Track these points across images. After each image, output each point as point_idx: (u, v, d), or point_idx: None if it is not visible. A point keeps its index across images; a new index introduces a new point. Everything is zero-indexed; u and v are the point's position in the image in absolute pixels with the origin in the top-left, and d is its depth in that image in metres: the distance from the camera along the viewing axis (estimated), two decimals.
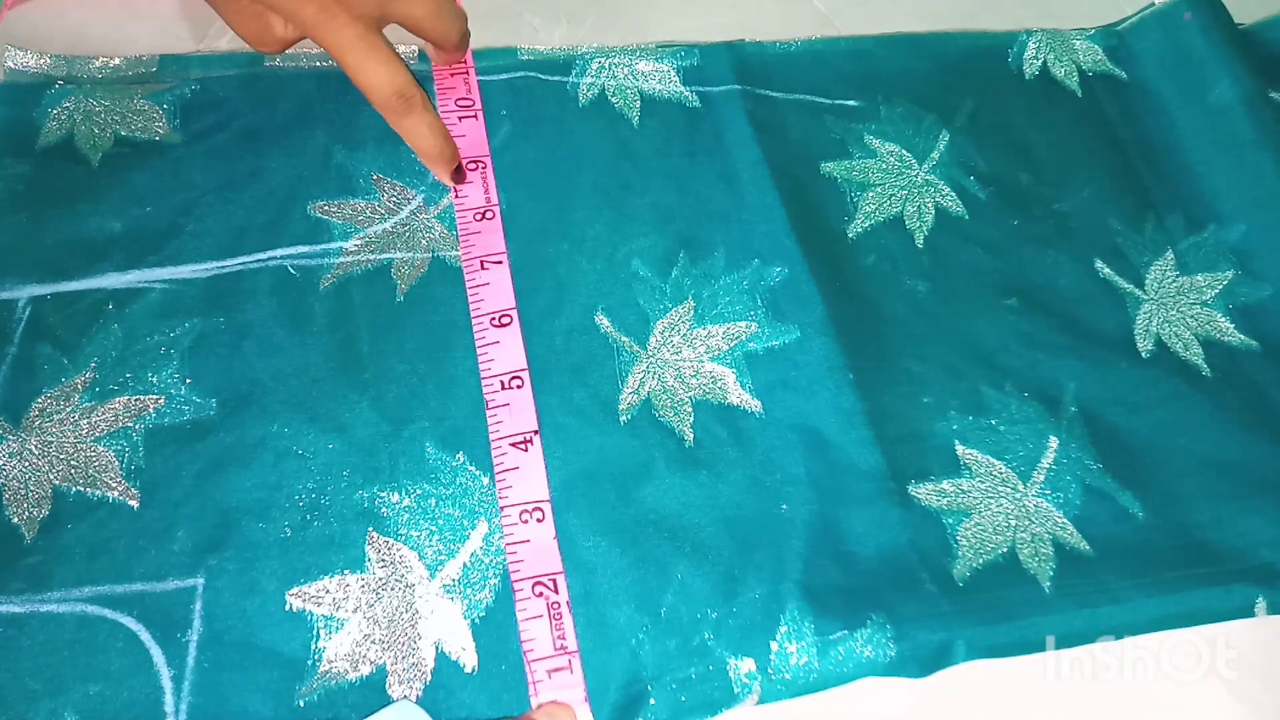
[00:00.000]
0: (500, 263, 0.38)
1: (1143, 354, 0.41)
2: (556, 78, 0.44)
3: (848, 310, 0.39)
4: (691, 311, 0.39)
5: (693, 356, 0.38)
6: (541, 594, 0.32)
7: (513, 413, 0.35)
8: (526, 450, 0.34)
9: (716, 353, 0.38)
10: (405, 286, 0.38)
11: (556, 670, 0.31)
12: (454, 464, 0.34)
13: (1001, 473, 0.37)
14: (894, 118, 0.45)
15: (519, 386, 0.36)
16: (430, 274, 0.38)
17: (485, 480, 0.34)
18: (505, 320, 0.37)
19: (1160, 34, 0.49)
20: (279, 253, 0.38)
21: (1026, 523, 0.35)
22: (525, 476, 0.34)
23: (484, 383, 0.36)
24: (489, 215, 0.40)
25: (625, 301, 0.39)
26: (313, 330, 0.36)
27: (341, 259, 0.38)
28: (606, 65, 0.44)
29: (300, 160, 0.40)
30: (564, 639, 0.31)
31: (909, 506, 0.35)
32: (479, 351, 0.37)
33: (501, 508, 0.33)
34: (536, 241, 0.40)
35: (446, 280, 0.38)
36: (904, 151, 0.45)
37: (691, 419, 0.36)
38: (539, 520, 0.33)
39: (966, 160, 0.45)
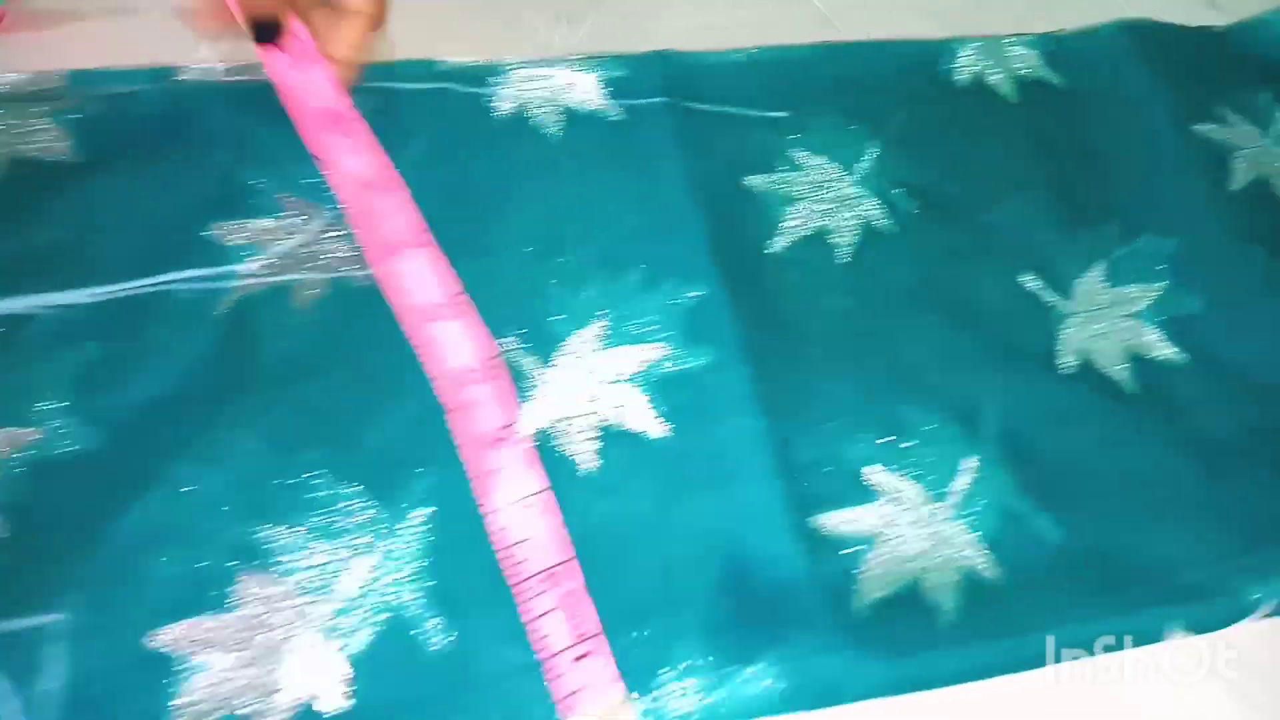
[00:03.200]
0: (428, 247, 0.37)
1: (1066, 370, 0.40)
2: (474, 90, 0.43)
3: (765, 331, 0.39)
4: (603, 331, 0.38)
5: (602, 378, 0.37)
6: (548, 590, 0.31)
7: (488, 409, 0.34)
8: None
9: (626, 375, 0.37)
10: (304, 310, 0.37)
11: (583, 657, 0.30)
12: (344, 495, 0.33)
13: (914, 497, 0.36)
14: (822, 129, 0.45)
15: (494, 378, 0.35)
16: (331, 297, 0.37)
17: (375, 512, 0.33)
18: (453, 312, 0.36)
19: (1099, 49, 0.49)
20: (174, 277, 0.37)
21: (936, 549, 0.35)
22: (515, 473, 0.33)
23: (436, 382, 0.35)
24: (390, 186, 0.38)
25: (537, 322, 0.38)
26: (205, 358, 0.35)
27: (240, 282, 0.37)
28: (527, 77, 0.44)
29: (204, 180, 0.39)
30: (582, 625, 0.31)
31: (814, 537, 0.34)
32: (422, 351, 0.35)
33: (481, 510, 0.33)
34: (450, 261, 0.39)
35: (348, 302, 0.37)
36: (831, 164, 0.44)
37: (597, 445, 0.35)
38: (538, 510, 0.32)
39: (895, 173, 0.44)
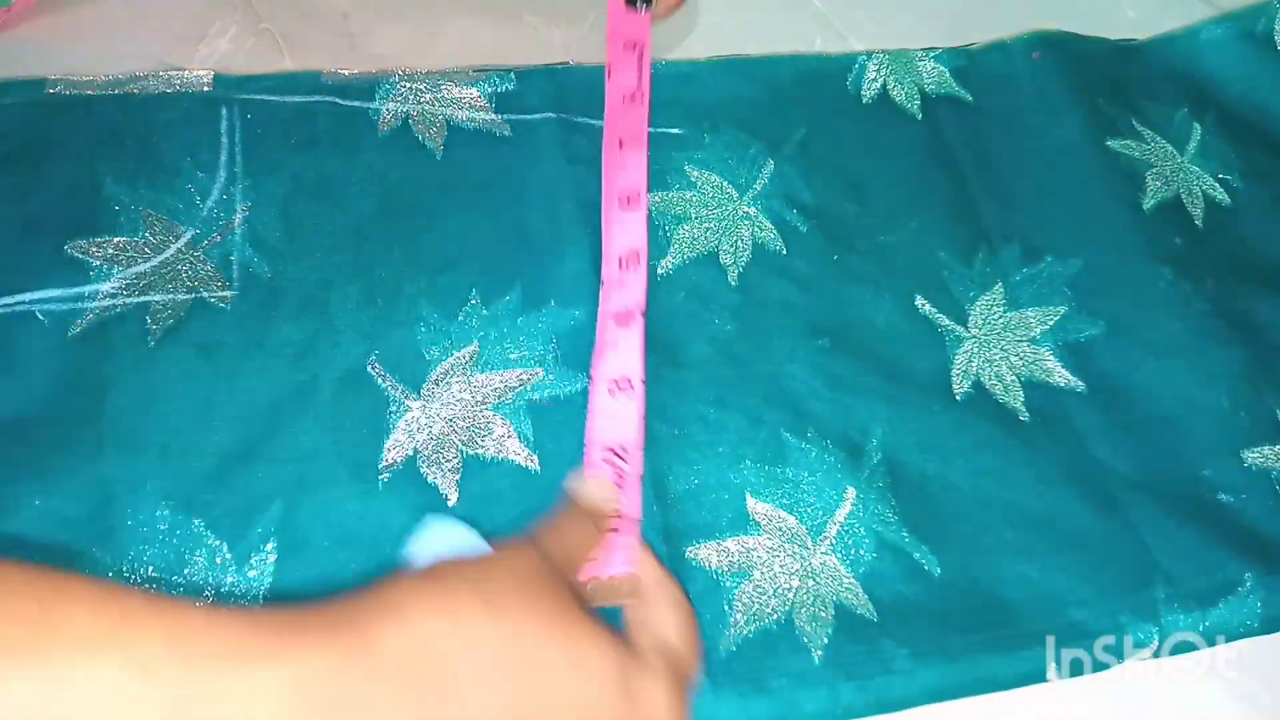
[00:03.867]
0: (639, 149, 0.39)
1: (958, 396, 0.39)
2: (357, 103, 0.42)
3: (646, 355, 0.37)
4: (475, 355, 0.37)
5: (470, 403, 0.36)
6: (610, 461, 0.32)
7: (625, 290, 0.36)
8: (628, 326, 0.35)
9: (497, 400, 0.36)
10: (160, 331, 0.35)
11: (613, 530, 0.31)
12: (190, 529, 0.32)
13: (791, 528, 0.35)
14: (718, 146, 0.43)
15: (635, 268, 0.36)
16: (191, 316, 0.36)
17: (217, 543, 0.32)
18: (634, 203, 0.38)
19: (1011, 63, 0.48)
20: (27, 297, 0.35)
21: (810, 583, 0.33)
22: (622, 354, 0.35)
23: (604, 260, 0.37)
24: (637, 99, 0.40)
25: (405, 346, 0.37)
26: (56, 383, 0.34)
27: (96, 303, 0.36)
28: (412, 90, 0.42)
29: (67, 195, 0.38)
30: (626, 506, 0.31)
31: (685, 570, 0.33)
32: (604, 229, 0.37)
33: (592, 379, 0.35)
34: (317, 282, 0.38)
35: (210, 322, 0.36)
36: (724, 182, 0.42)
37: (459, 475, 0.34)
38: (628, 397, 0.34)
39: (791, 191, 0.43)
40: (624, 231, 0.37)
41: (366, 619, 0.21)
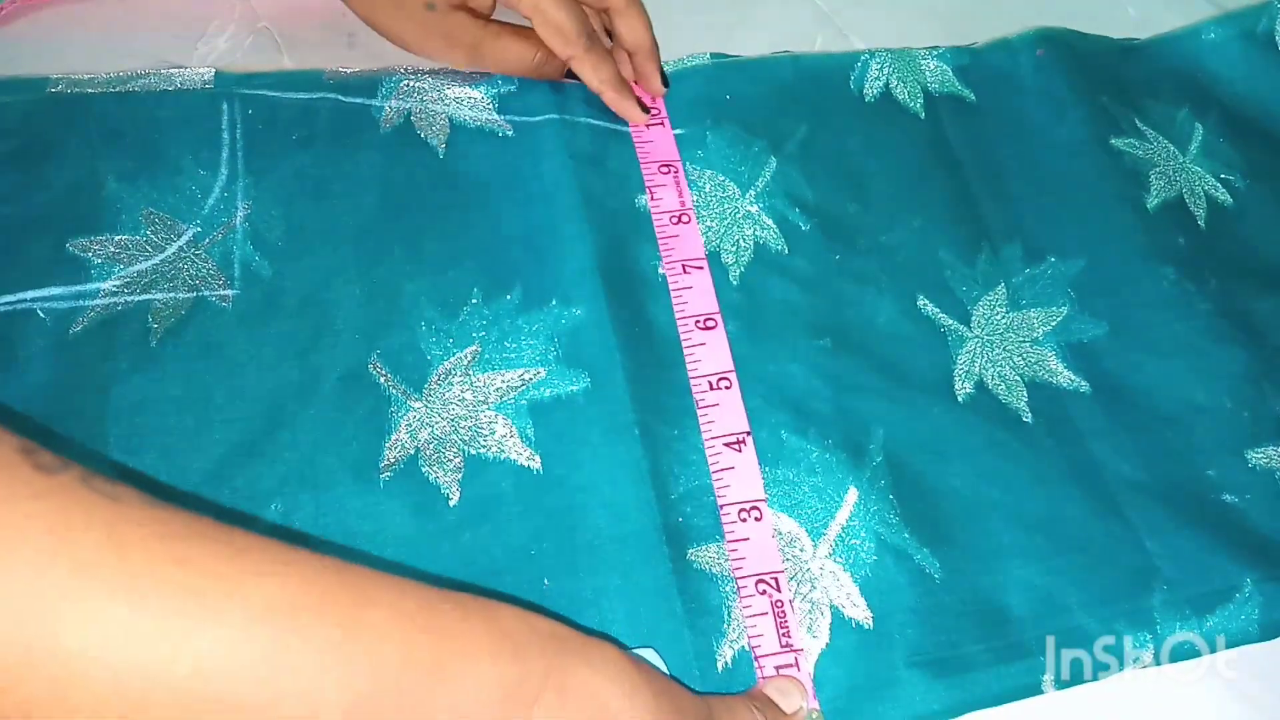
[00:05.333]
0: (701, 268, 0.39)
1: (960, 397, 0.39)
2: (360, 101, 0.42)
3: (647, 355, 0.37)
4: (477, 355, 0.36)
5: (472, 403, 0.35)
6: (765, 592, 0.32)
7: (723, 413, 0.36)
8: (740, 450, 0.35)
9: (498, 400, 0.36)
10: (161, 330, 0.35)
11: (784, 667, 0.31)
12: None
13: (791, 531, 0.34)
14: (720, 144, 0.43)
15: (727, 387, 0.36)
16: (193, 315, 0.36)
17: None
18: (710, 324, 0.38)
19: (1013, 61, 0.48)
20: (29, 295, 0.35)
21: (808, 589, 0.33)
22: (741, 476, 0.34)
23: (693, 383, 0.37)
24: (685, 219, 0.40)
25: (406, 345, 0.37)
26: (56, 383, 0.34)
27: (97, 301, 0.36)
28: (415, 89, 0.42)
29: (68, 193, 0.37)
30: (789, 636, 0.32)
31: (687, 574, 0.33)
32: (685, 353, 0.37)
33: (720, 506, 0.34)
34: (318, 281, 0.37)
35: (211, 321, 0.36)
36: (726, 181, 0.42)
37: (461, 474, 0.34)
38: (757, 519, 0.34)
39: (793, 190, 0.43)
40: (709, 354, 0.37)
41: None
